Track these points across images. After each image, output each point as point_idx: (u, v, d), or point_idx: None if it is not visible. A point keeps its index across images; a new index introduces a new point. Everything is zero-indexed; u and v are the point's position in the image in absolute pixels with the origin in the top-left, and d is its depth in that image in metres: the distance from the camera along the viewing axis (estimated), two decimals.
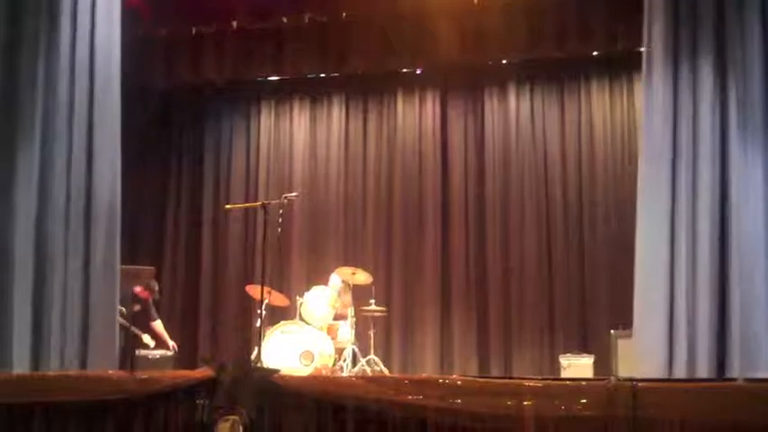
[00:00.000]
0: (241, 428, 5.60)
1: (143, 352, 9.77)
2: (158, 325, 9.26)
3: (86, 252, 7.70)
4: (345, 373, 8.75)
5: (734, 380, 5.71)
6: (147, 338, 9.04)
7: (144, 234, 11.62)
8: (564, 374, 9.11)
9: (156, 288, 9.32)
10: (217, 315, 11.25)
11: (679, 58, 7.49)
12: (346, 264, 10.14)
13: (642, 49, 10.06)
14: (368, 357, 9.25)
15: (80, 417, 6.26)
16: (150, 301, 9.18)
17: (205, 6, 10.17)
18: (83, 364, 7.63)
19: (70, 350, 7.61)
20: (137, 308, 9.02)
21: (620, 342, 9.12)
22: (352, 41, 10.40)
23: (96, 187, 7.77)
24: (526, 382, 5.53)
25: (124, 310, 8.92)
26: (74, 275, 7.60)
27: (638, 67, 10.45)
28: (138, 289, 8.94)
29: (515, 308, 10.47)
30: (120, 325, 8.80)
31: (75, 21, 7.76)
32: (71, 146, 7.65)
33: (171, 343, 9.33)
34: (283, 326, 9.08)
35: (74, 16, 7.75)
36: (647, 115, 7.64)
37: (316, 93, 11.63)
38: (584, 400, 5.16)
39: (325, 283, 9.69)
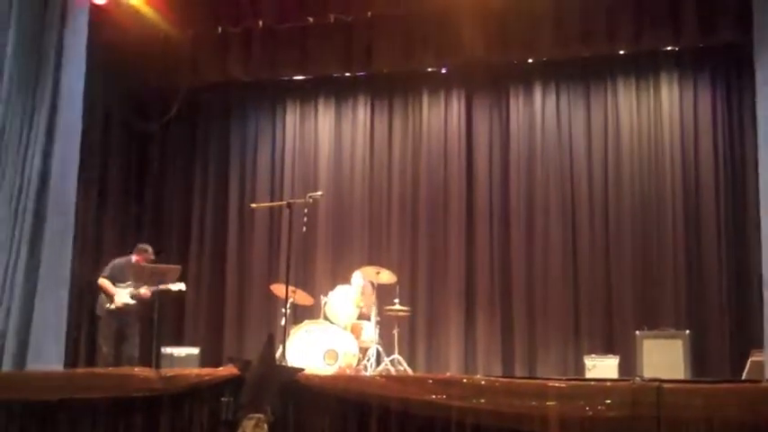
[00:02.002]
0: (266, 426, 5.62)
1: (169, 350, 9.86)
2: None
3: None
4: (369, 373, 8.77)
5: (758, 381, 5.67)
6: (176, 286, 9.05)
7: (170, 233, 11.71)
8: (589, 375, 9.08)
9: (150, 251, 9.41)
10: (242, 313, 11.28)
11: None
12: (371, 263, 10.14)
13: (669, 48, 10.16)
14: (392, 357, 9.25)
15: (107, 414, 6.32)
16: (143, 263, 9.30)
17: (231, 6, 10.21)
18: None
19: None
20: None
21: (646, 343, 9.10)
22: (377, 41, 10.38)
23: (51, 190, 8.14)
24: (550, 383, 5.52)
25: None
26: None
27: (664, 65, 10.49)
28: (135, 258, 9.25)
29: (540, 308, 10.43)
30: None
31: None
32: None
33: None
34: (308, 325, 9.10)
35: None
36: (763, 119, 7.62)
37: (341, 92, 11.65)
38: (609, 401, 5.14)
39: (350, 282, 9.70)
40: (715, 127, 10.24)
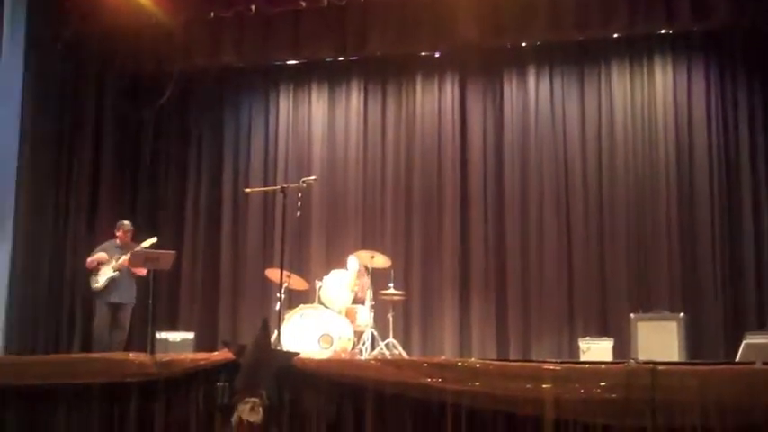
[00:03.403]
0: (261, 410, 5.65)
1: (164, 335, 9.88)
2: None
3: None
4: (364, 356, 8.78)
5: (752, 363, 5.68)
6: (148, 242, 9.34)
7: (164, 218, 11.67)
8: (583, 358, 9.09)
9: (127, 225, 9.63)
10: (237, 298, 11.29)
11: None
12: (365, 247, 10.14)
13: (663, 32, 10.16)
14: (387, 341, 9.27)
15: (102, 398, 6.34)
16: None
17: None
18: None
19: None
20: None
21: (640, 325, 9.11)
22: (371, 25, 10.36)
23: None
24: (545, 366, 5.54)
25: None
26: None
27: (658, 49, 10.48)
28: (118, 235, 9.54)
29: (535, 291, 10.45)
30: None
31: None
32: None
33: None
34: (302, 309, 9.11)
35: None
36: None
37: (334, 76, 11.60)
38: (604, 383, 5.17)
39: (345, 266, 9.70)
40: (709, 110, 10.23)
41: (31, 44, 10.13)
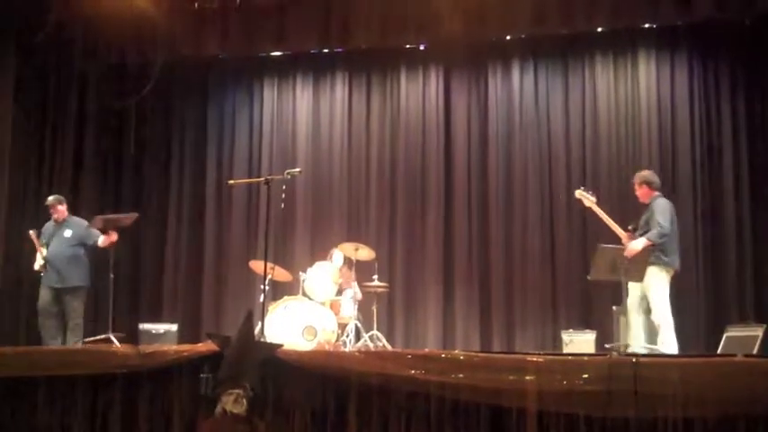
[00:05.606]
0: (245, 402, 5.64)
1: (147, 326, 9.85)
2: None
3: None
4: (348, 348, 8.79)
5: (733, 355, 5.74)
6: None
7: (148, 210, 11.60)
8: (566, 350, 9.14)
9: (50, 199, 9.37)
10: (221, 290, 11.27)
11: None
12: (349, 240, 10.14)
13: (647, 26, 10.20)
14: (370, 333, 9.28)
15: (85, 391, 6.32)
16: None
17: None
18: None
19: None
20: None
21: (622, 318, 9.15)
22: (356, 17, 10.33)
23: None
24: (528, 357, 5.56)
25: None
26: None
27: (642, 43, 10.52)
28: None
29: (518, 283, 10.49)
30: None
31: None
32: None
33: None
34: (286, 301, 9.11)
35: None
36: None
37: (319, 68, 11.58)
38: (586, 375, 5.19)
39: (329, 258, 9.70)
40: (692, 104, 10.29)
41: (13, 31, 10.07)
